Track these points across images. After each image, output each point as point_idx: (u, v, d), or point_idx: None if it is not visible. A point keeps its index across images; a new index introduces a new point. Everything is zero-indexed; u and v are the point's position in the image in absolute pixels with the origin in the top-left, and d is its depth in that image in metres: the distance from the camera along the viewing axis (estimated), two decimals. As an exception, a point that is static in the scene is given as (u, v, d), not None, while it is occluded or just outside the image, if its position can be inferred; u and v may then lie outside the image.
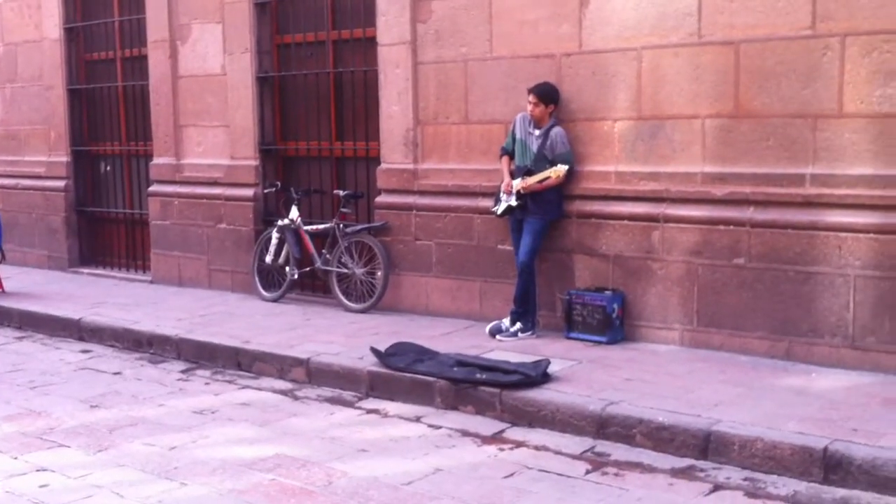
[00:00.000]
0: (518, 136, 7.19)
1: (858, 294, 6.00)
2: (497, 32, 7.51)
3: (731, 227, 6.47)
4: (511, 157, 7.27)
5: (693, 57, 6.58)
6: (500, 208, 7.24)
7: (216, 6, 9.38)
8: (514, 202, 7.12)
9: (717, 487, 4.64)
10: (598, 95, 7.03)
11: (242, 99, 9.25)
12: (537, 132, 7.08)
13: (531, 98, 7.02)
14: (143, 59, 10.20)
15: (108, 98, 10.83)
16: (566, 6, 7.11)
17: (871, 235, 5.94)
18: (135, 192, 10.69)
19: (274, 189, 9.15)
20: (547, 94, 7.02)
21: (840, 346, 6.08)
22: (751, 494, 4.55)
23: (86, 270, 10.94)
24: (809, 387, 5.72)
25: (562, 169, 6.90)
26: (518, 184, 7.07)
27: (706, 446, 4.98)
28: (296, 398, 6.39)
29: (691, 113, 6.62)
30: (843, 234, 6.04)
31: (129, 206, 10.73)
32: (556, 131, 7.02)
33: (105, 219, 11.02)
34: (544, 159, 7.04)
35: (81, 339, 8.22)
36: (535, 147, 7.07)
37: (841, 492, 4.51)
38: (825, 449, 4.65)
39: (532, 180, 7.01)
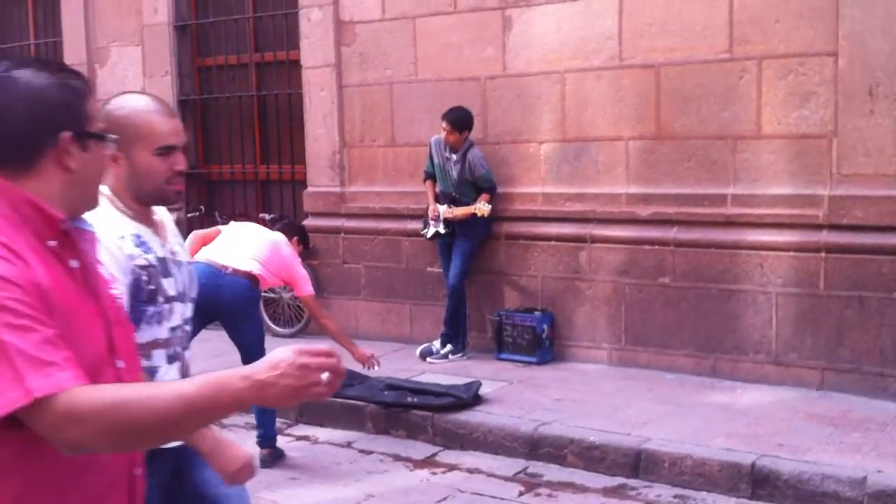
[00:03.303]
0: (436, 161, 7.18)
1: (780, 311, 6.13)
2: (421, 55, 7.53)
3: (656, 246, 6.57)
4: (434, 180, 7.26)
5: (615, 80, 6.69)
6: (429, 233, 7.23)
7: (135, 29, 9.23)
8: (442, 229, 7.11)
9: (649, 505, 4.69)
10: (523, 118, 7.09)
11: (164, 122, 9.08)
12: (454, 157, 7.07)
13: (445, 125, 7.00)
14: (60, 82, 9.96)
15: (23, 122, 10.55)
16: (489, 29, 7.17)
17: (791, 253, 6.09)
18: (52, 218, 10.40)
19: (198, 213, 9.00)
20: (460, 122, 6.98)
21: (763, 363, 6.21)
22: (682, 511, 4.60)
23: None
24: (735, 403, 5.82)
25: (486, 209, 6.88)
26: (444, 211, 7.07)
27: (637, 464, 5.02)
28: (222, 426, 6.25)
29: (614, 134, 6.71)
30: (765, 253, 6.17)
31: (46, 232, 10.43)
32: (474, 154, 7.02)
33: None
34: (466, 183, 7.05)
35: None
36: (455, 173, 7.06)
37: (769, 506, 4.59)
38: (752, 464, 4.73)
39: (459, 212, 7.00)
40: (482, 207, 6.90)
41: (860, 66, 5.81)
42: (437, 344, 7.17)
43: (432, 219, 7.17)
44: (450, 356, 7.09)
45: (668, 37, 6.45)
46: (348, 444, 5.78)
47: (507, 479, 5.11)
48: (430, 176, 7.27)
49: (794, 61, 6.04)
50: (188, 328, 2.60)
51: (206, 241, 5.56)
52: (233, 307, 5.42)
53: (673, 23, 6.42)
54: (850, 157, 5.89)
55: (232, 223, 5.91)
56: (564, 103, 6.90)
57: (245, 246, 5.49)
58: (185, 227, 9.13)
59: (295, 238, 6.00)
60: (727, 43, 6.25)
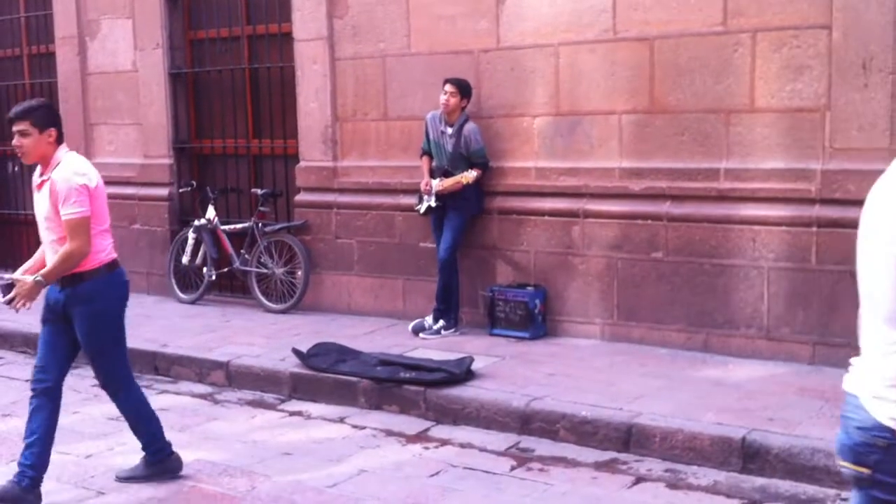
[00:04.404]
0: (431, 136, 7.17)
1: (772, 286, 6.13)
2: (415, 28, 7.47)
3: (649, 221, 6.56)
4: (431, 156, 7.25)
5: (609, 53, 6.65)
6: (422, 208, 7.22)
7: (126, 1, 9.15)
8: (433, 203, 7.11)
9: (640, 479, 4.70)
10: (517, 91, 7.06)
11: (155, 96, 9.05)
12: (450, 130, 7.05)
13: (449, 88, 6.97)
14: (51, 56, 9.91)
15: (13, 96, 10.48)
16: (483, 2, 7.11)
17: (784, 228, 6.08)
18: (44, 193, 10.36)
19: (189, 188, 8.98)
20: (464, 87, 7.01)
21: (755, 337, 6.21)
22: (672, 485, 4.61)
23: (-6, 274, 10.59)
24: (727, 377, 5.83)
25: (470, 175, 6.91)
26: (436, 185, 7.06)
27: (628, 439, 5.03)
28: (216, 402, 6.28)
29: (608, 108, 6.68)
30: (757, 227, 6.17)
31: (38, 207, 10.39)
32: (469, 128, 7.00)
33: (13, 221, 10.67)
34: (461, 158, 7.03)
35: (-10, 345, 7.96)
36: (450, 147, 7.04)
37: (759, 480, 4.61)
38: (743, 439, 4.74)
39: (448, 182, 7.01)
40: (467, 175, 6.91)
41: (854, 39, 5.77)
42: (429, 319, 7.16)
43: (425, 192, 7.16)
44: (442, 331, 7.09)
45: (662, 9, 6.41)
46: (341, 420, 5.79)
47: (499, 453, 5.13)
48: (427, 153, 7.26)
49: (787, 34, 6.00)
50: None
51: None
52: None
53: (667, -4, 6.38)
54: (843, 131, 5.87)
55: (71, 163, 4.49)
56: (558, 77, 6.86)
57: None
58: (177, 203, 9.12)
59: (54, 130, 4.52)
60: (721, 15, 6.21)
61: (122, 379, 4.79)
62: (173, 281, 8.89)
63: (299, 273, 8.10)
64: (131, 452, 5.24)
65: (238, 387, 6.52)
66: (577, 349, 6.63)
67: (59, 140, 4.57)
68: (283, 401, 6.22)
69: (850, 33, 5.78)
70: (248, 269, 8.36)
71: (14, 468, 5.10)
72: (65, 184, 4.37)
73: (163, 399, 6.36)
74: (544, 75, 6.92)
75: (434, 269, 7.30)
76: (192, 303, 8.69)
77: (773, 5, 6.03)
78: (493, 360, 6.34)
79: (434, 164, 7.19)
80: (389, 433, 5.51)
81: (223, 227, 8.53)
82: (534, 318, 6.89)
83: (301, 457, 5.14)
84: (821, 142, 5.96)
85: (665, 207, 6.50)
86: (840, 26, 5.81)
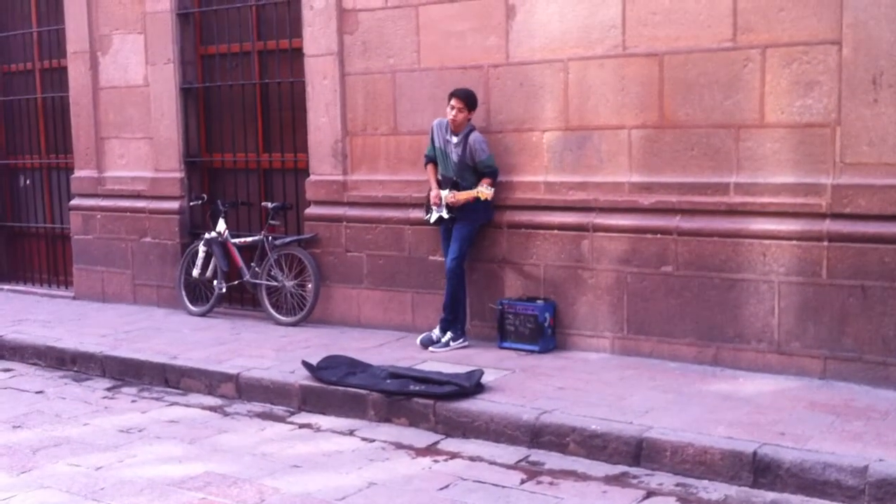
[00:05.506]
0: (437, 144, 7.19)
1: (783, 300, 6.13)
2: (424, 43, 7.51)
3: (659, 235, 6.56)
4: (435, 163, 7.26)
5: (618, 68, 6.67)
6: (433, 217, 7.22)
7: (137, 16, 9.22)
8: (445, 214, 7.12)
9: (650, 494, 4.69)
10: (526, 106, 7.08)
11: (166, 110, 9.10)
12: (455, 139, 7.07)
13: (456, 103, 6.99)
14: (63, 70, 9.98)
15: (26, 110, 10.57)
16: (493, 18, 7.15)
17: (794, 242, 6.08)
18: (55, 206, 10.43)
19: (200, 201, 9.02)
20: (470, 99, 7.02)
21: (766, 352, 6.21)
22: (683, 500, 4.60)
23: (5, 287, 10.64)
24: (737, 391, 5.82)
25: (489, 191, 6.89)
26: (447, 196, 7.07)
27: (638, 453, 5.02)
28: (225, 414, 6.29)
29: (617, 123, 6.70)
30: (767, 242, 6.17)
31: (49, 220, 10.46)
32: (475, 137, 7.02)
33: (25, 233, 10.73)
34: (467, 168, 7.05)
35: (2, 357, 7.98)
36: (455, 157, 7.06)
37: (770, 495, 4.59)
38: (754, 453, 4.73)
39: (461, 196, 7.01)
40: (484, 191, 6.91)
41: (864, 54, 5.79)
42: (436, 332, 7.16)
43: (434, 204, 7.17)
44: (451, 343, 7.09)
45: (672, 25, 6.43)
46: (351, 432, 5.79)
47: (508, 466, 5.12)
48: (431, 160, 7.27)
49: (797, 50, 6.02)
50: None
51: None
52: None
53: (676, 11, 6.40)
54: (853, 146, 5.88)
55: None
56: (567, 92, 6.89)
57: None
58: (188, 217, 9.16)
59: None
60: (731, 31, 6.23)
61: None
62: (184, 293, 8.92)
63: (309, 286, 8.12)
64: (142, 464, 5.26)
65: (248, 399, 6.53)
66: (586, 363, 6.62)
67: None
68: (292, 413, 6.22)
69: (860, 49, 5.79)
70: (258, 281, 8.39)
71: (24, 479, 5.12)
72: None
73: (172, 411, 6.38)
74: (553, 90, 6.94)
75: (443, 281, 7.31)
76: (203, 315, 8.72)
77: (783, 21, 6.05)
78: (502, 374, 6.34)
79: (440, 173, 7.21)
80: (399, 446, 5.51)
81: (233, 240, 8.56)
82: (543, 331, 6.89)
83: (310, 469, 5.14)
84: (831, 157, 5.96)
85: (675, 222, 6.51)
86: (850, 42, 5.83)
